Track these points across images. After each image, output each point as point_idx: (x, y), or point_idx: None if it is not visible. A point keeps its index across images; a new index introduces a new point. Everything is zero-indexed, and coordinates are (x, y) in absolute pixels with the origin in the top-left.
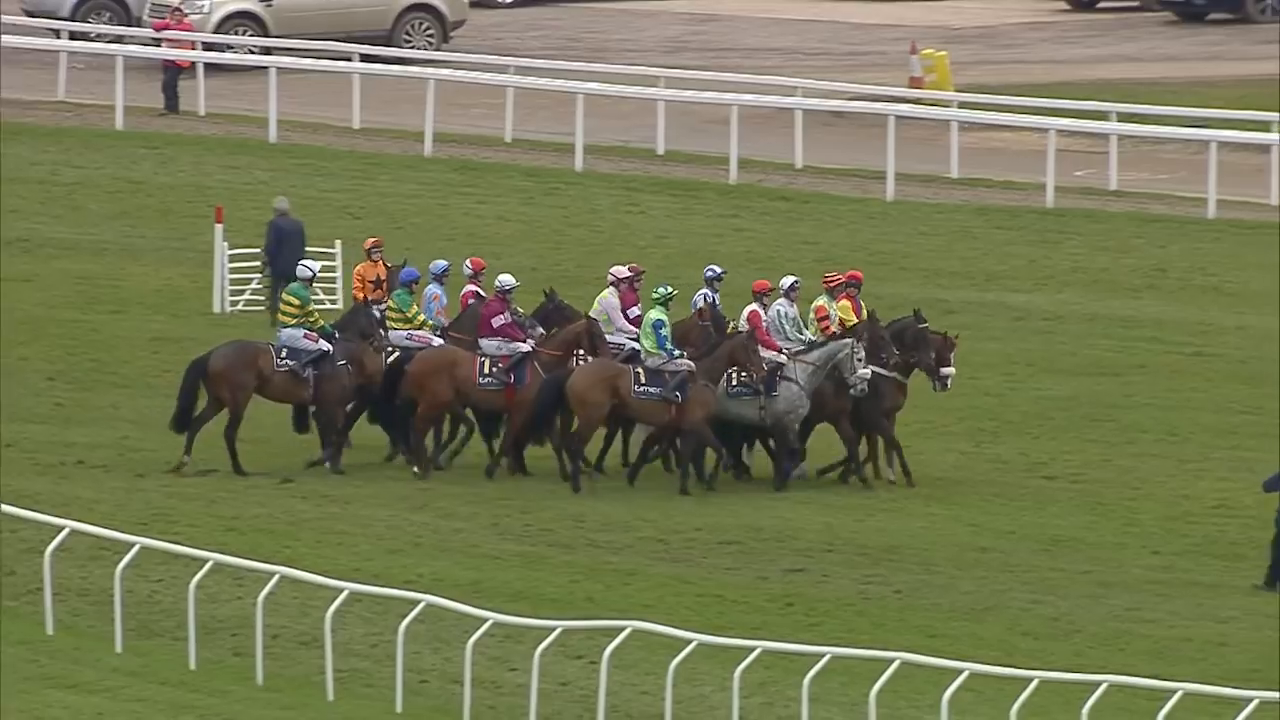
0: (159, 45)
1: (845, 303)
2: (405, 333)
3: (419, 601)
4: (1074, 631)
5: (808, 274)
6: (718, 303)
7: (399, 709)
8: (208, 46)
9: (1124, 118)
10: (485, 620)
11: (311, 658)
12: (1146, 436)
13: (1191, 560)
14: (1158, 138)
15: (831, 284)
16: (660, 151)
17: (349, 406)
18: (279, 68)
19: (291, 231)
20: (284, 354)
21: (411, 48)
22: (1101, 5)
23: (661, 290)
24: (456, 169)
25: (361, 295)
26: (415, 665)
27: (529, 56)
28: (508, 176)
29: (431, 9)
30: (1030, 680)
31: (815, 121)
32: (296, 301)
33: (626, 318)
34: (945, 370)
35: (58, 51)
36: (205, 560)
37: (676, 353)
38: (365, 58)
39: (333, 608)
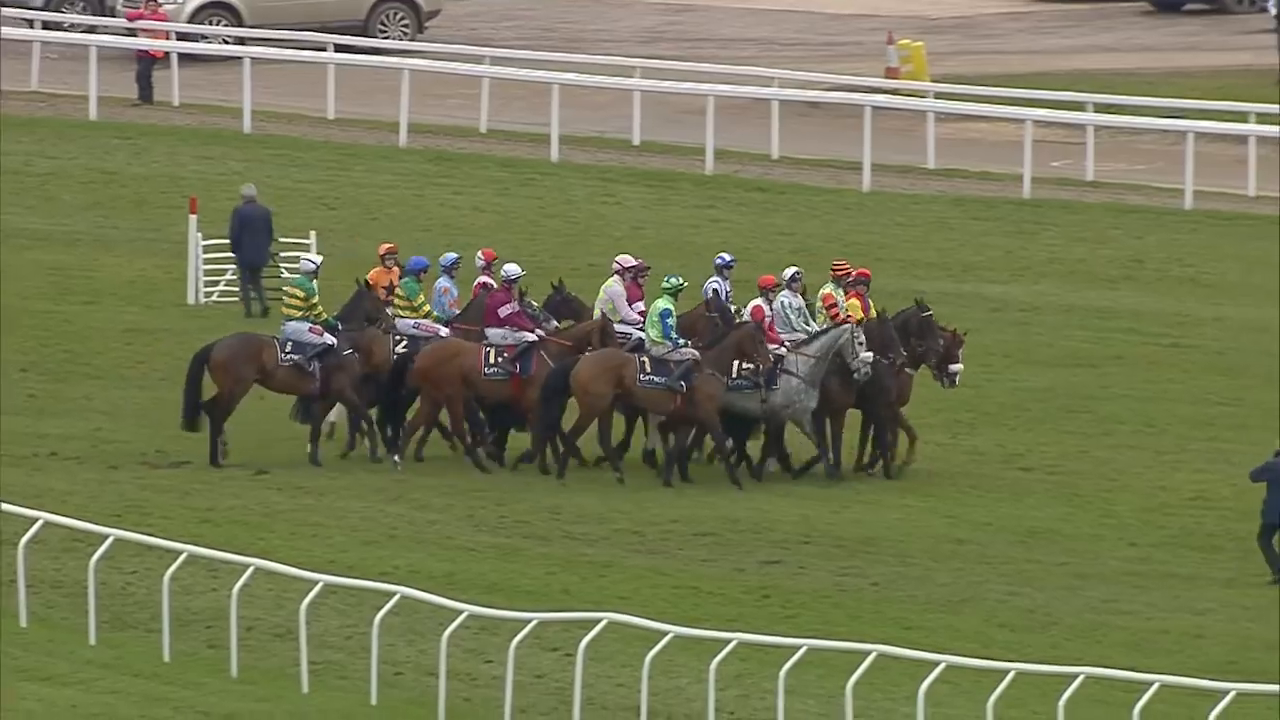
0: (133, 35)
1: (854, 301)
2: (412, 322)
3: (394, 593)
4: (1051, 623)
5: (782, 265)
6: (729, 290)
7: (374, 701)
8: (182, 36)
9: (1101, 108)
10: (460, 612)
11: (286, 650)
12: (1123, 428)
13: (1168, 552)
14: (1135, 128)
15: (839, 272)
16: (636, 142)
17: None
18: (253, 58)
19: (255, 218)
20: (289, 348)
21: (386, 38)
22: None
23: (674, 280)
24: (431, 159)
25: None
26: (390, 657)
27: (504, 47)
28: (483, 167)
29: None
30: (1007, 672)
31: (791, 112)
32: (301, 294)
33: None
34: (953, 367)
35: (31, 41)
36: (179, 552)
37: (682, 342)
38: (340, 48)
39: (307, 600)
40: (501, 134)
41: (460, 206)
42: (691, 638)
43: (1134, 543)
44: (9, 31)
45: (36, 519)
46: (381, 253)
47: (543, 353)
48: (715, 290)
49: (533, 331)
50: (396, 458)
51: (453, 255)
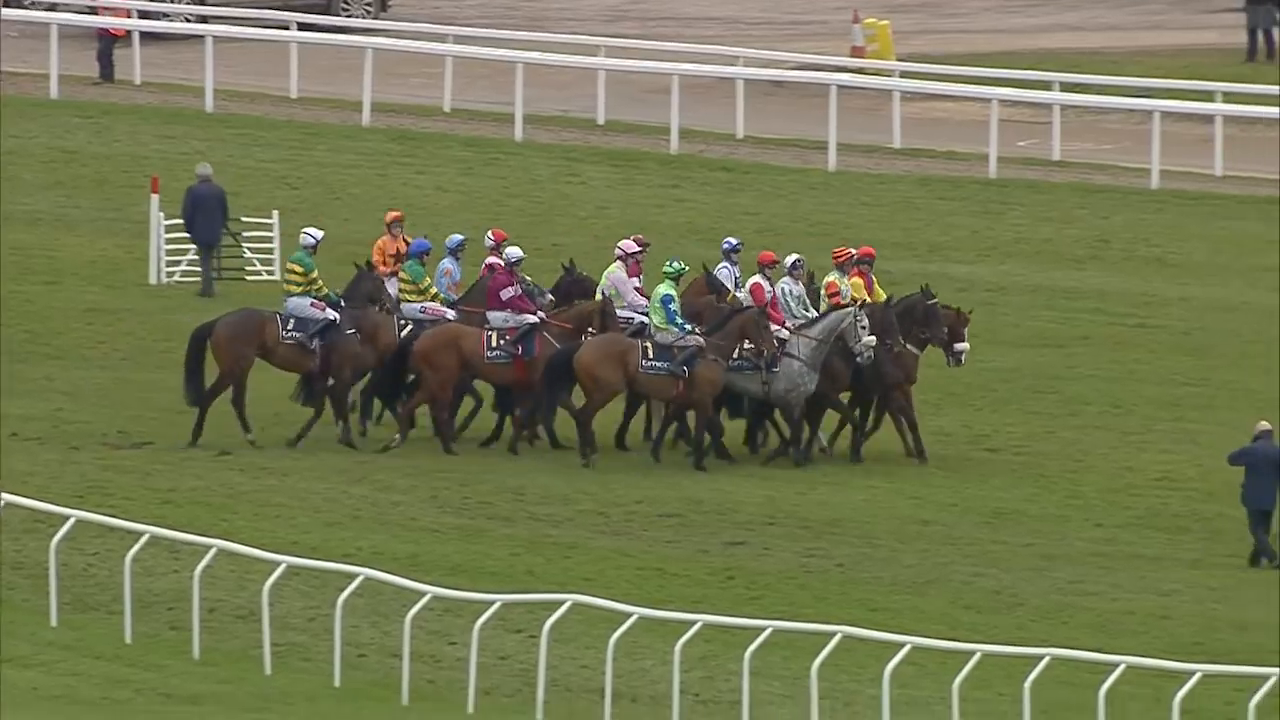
0: (94, 13)
1: (857, 280)
2: (419, 305)
3: (357, 575)
4: (1017, 604)
5: (748, 245)
6: (739, 275)
7: (337, 683)
8: (143, 15)
9: (1067, 88)
10: (424, 594)
11: (249, 631)
12: (1090, 408)
13: (1134, 533)
14: (1101, 108)
15: (841, 259)
16: (600, 121)
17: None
18: (215, 36)
19: (208, 198)
20: (290, 324)
21: (350, 17)
22: None
23: (675, 265)
24: (395, 139)
25: (383, 269)
26: (353, 639)
27: (467, 25)
28: (446, 146)
29: None
30: (973, 654)
31: (756, 91)
32: (301, 269)
33: None
34: (959, 346)
35: None
36: (141, 533)
37: (687, 327)
38: (303, 26)
39: (270, 581)
40: (465, 113)
41: (424, 186)
42: (656, 619)
43: (1100, 523)
44: None
45: None
46: (388, 220)
47: (545, 334)
48: (721, 273)
49: (534, 314)
50: (397, 436)
51: (458, 237)
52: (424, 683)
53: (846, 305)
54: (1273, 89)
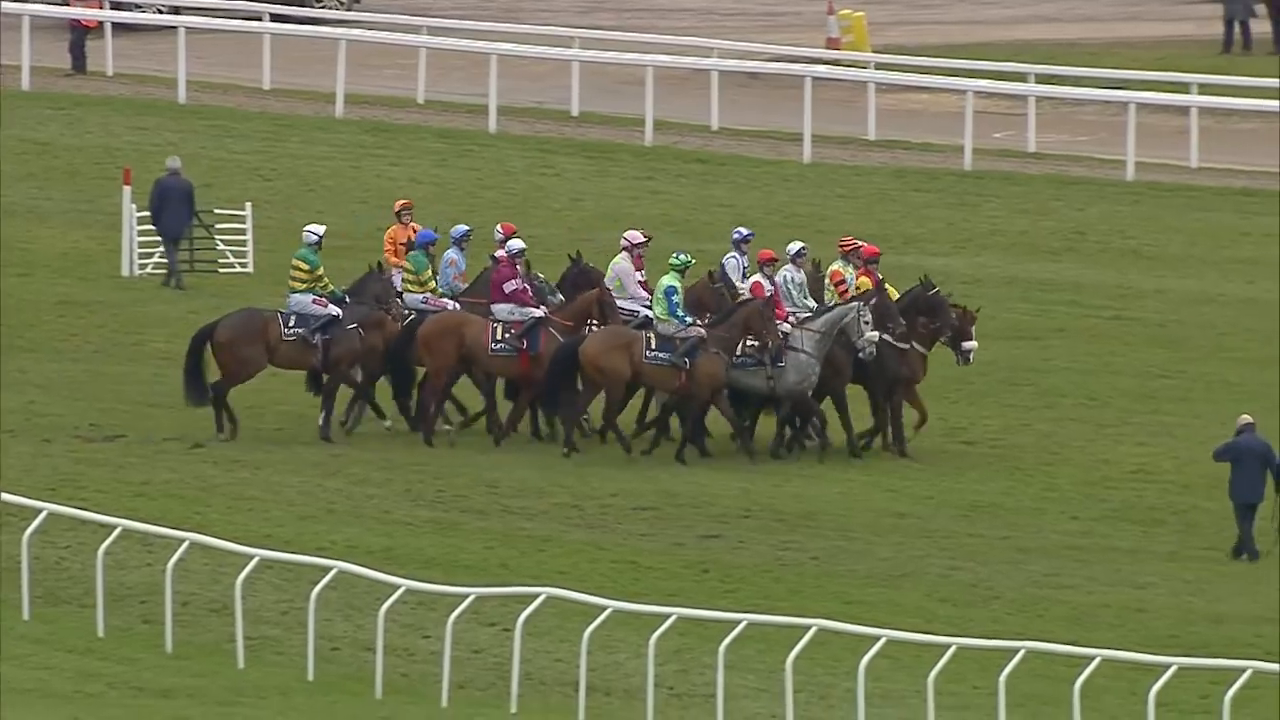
0: (66, 4)
1: (864, 279)
2: (421, 297)
3: (331, 568)
4: (992, 598)
5: (723, 237)
6: (746, 264)
7: (310, 677)
8: (115, 6)
9: (1042, 79)
10: (398, 587)
11: (222, 625)
12: (1065, 401)
13: (1110, 526)
14: (1076, 99)
15: (845, 248)
16: (575, 113)
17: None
18: (188, 27)
19: (176, 190)
20: (292, 321)
21: (323, 8)
22: None
23: (681, 258)
24: (368, 131)
25: (395, 259)
26: (327, 633)
27: (442, 17)
28: (420, 138)
29: None
30: (948, 647)
31: (731, 83)
32: (305, 266)
33: None
34: (967, 345)
35: None
36: (114, 526)
37: (689, 319)
38: (276, 18)
39: (243, 574)
40: (439, 105)
41: (397, 178)
42: (630, 612)
43: (1076, 516)
44: None
45: None
46: (397, 208)
47: (550, 329)
48: (730, 263)
49: (538, 307)
50: (448, 425)
51: (463, 228)
52: (398, 676)
53: (851, 298)
54: (1248, 81)
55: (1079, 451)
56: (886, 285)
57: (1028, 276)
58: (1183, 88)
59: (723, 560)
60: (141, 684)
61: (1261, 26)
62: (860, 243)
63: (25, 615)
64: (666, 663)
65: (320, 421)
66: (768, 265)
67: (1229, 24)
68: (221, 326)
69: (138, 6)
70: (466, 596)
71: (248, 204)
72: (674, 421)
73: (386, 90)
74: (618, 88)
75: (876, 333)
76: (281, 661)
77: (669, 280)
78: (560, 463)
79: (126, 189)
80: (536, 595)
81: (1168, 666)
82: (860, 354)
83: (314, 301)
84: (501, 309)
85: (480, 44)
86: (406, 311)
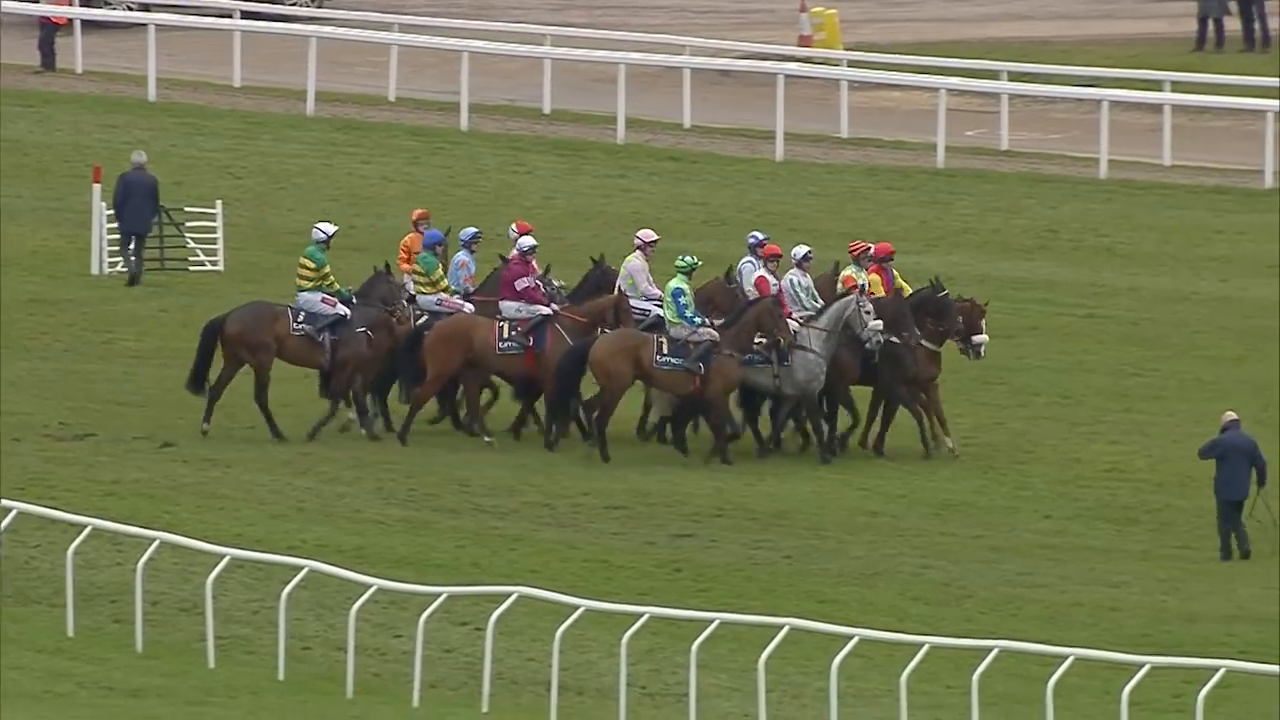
0: (35, 1)
1: (874, 277)
2: (435, 298)
3: (302, 567)
4: (965, 597)
5: (695, 235)
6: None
7: (281, 676)
8: (85, 2)
9: (1015, 77)
10: (369, 586)
11: (192, 624)
12: (1039, 399)
13: (1083, 524)
14: (1049, 97)
15: (856, 251)
16: (547, 111)
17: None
18: (158, 25)
19: (140, 186)
20: (301, 317)
21: (294, 5)
22: None
23: (687, 259)
24: (340, 128)
25: (407, 266)
26: (298, 632)
27: (412, 14)
28: (392, 136)
29: None
30: (921, 646)
31: (703, 80)
32: (313, 265)
33: None
34: (977, 338)
35: None
36: (84, 525)
37: (699, 321)
38: (246, 15)
39: (214, 574)
40: (410, 102)
41: (369, 176)
42: (602, 612)
43: (1049, 515)
44: None
45: None
46: (415, 218)
47: (557, 327)
48: (745, 269)
49: (547, 305)
50: (486, 436)
51: (472, 230)
52: (369, 675)
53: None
54: (1221, 79)
55: (1052, 450)
56: (900, 281)
57: (1000, 275)
58: (1155, 85)
59: (695, 559)
60: (112, 684)
61: (1234, 24)
62: (870, 245)
63: None
64: (639, 662)
65: (360, 425)
66: (772, 261)
67: (1203, 21)
68: (231, 319)
69: (107, 3)
70: (438, 596)
71: (218, 202)
72: (657, 421)
73: (358, 88)
74: (590, 85)
75: (880, 321)
76: (252, 661)
77: (676, 283)
78: (532, 461)
79: (96, 187)
80: (508, 594)
81: (1141, 665)
82: (867, 345)
83: (322, 300)
84: (509, 306)
85: (452, 41)
86: (419, 313)
